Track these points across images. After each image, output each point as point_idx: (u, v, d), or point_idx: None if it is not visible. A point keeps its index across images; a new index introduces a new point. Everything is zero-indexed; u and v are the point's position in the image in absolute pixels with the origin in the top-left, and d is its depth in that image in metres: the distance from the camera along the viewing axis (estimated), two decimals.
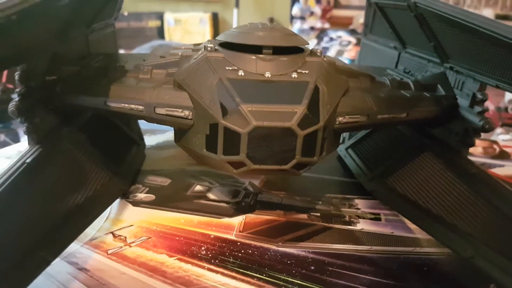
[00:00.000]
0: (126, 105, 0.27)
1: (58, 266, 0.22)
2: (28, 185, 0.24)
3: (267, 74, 0.25)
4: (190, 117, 0.25)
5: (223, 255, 0.25)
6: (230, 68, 0.25)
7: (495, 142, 0.44)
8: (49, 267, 0.21)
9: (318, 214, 0.30)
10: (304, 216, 0.30)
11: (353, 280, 0.24)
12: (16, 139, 0.50)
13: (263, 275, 0.24)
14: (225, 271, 0.24)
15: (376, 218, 0.30)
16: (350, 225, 0.29)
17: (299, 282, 0.23)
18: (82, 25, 0.33)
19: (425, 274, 0.24)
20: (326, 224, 0.29)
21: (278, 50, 0.25)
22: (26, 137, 0.26)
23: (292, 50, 0.26)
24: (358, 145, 0.37)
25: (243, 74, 0.25)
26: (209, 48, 0.26)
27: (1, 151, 0.40)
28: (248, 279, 0.23)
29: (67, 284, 0.22)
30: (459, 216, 0.25)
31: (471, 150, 0.29)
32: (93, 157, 0.30)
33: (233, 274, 0.24)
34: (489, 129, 0.27)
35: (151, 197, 0.31)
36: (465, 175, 0.27)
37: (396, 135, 0.33)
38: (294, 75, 0.25)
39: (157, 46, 0.36)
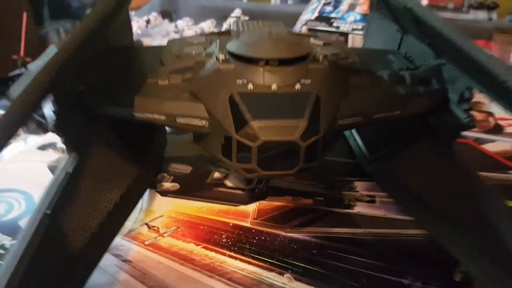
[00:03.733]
0: (150, 115, 0.30)
1: (105, 259, 0.27)
2: (74, 194, 0.28)
3: (273, 87, 0.28)
4: (207, 126, 0.29)
5: (240, 242, 0.30)
6: (240, 82, 0.28)
7: (491, 114, 0.47)
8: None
9: (322, 199, 0.34)
10: (310, 201, 0.34)
11: (350, 263, 0.28)
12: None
13: (273, 260, 0.29)
14: (243, 257, 0.29)
15: (371, 201, 0.34)
16: (349, 209, 0.33)
17: (303, 265, 0.28)
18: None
19: (415, 255, 0.29)
20: (328, 208, 0.33)
21: (284, 60, 0.28)
22: None
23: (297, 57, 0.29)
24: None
25: (252, 87, 0.28)
26: (220, 60, 0.29)
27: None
28: (261, 263, 0.28)
29: (116, 275, 0.27)
30: (447, 206, 0.29)
31: None
32: (123, 152, 0.34)
33: (249, 259, 0.29)
34: (473, 126, 0.30)
35: (176, 186, 0.36)
36: (454, 167, 0.30)
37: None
38: (298, 86, 0.28)
39: (171, 41, 0.38)
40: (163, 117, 0.30)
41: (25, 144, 0.44)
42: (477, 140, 0.42)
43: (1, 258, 0.24)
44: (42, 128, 0.62)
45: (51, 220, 0.25)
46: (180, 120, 0.30)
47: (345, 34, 0.86)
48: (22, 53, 0.68)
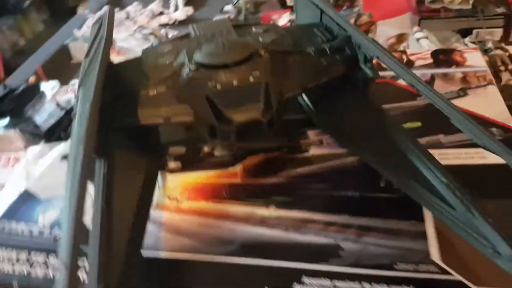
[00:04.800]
0: (152, 121, 0.42)
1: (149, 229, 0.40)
2: (114, 188, 0.40)
3: (235, 83, 0.39)
4: (194, 120, 0.41)
5: (235, 192, 0.43)
6: (211, 84, 0.39)
7: (404, 52, 0.60)
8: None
9: (286, 149, 0.47)
10: (277, 153, 0.47)
11: (311, 190, 0.42)
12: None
13: (260, 199, 0.42)
14: (239, 202, 0.42)
15: (320, 143, 0.47)
16: (306, 153, 0.46)
17: (281, 199, 0.42)
18: None
19: (353, 175, 0.42)
20: (291, 155, 0.46)
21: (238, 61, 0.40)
22: None
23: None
24: None
25: (220, 87, 0.39)
26: (193, 70, 0.40)
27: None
28: (252, 204, 0.42)
29: (158, 235, 0.40)
30: (366, 136, 0.42)
31: None
32: (137, 148, 0.45)
33: (244, 202, 0.42)
34: (378, 77, 0.42)
35: (179, 164, 0.48)
36: (367, 107, 0.43)
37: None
38: (251, 79, 0.39)
39: (144, 52, 0.48)
40: (161, 120, 0.41)
41: (49, 158, 0.54)
42: (393, 77, 0.55)
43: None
44: (38, 137, 0.71)
45: (107, 212, 0.35)
46: (174, 120, 0.41)
47: None
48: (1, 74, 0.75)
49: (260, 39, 0.45)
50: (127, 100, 0.42)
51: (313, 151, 0.46)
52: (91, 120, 0.34)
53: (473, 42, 0.69)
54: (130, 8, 1.04)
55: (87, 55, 0.42)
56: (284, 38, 0.46)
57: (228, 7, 0.99)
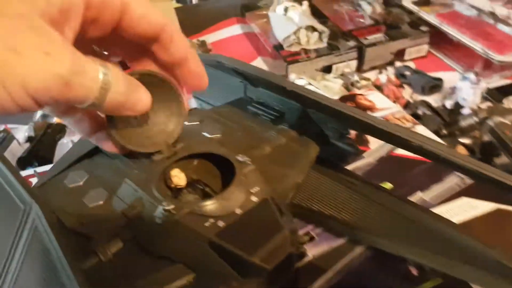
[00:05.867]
0: None
1: None
2: None
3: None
4: None
5: None
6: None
7: None
8: None
9: None
10: None
11: None
12: None
13: None
14: None
15: (311, 239, 0.41)
16: (306, 257, 0.39)
17: None
18: None
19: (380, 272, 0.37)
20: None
21: None
22: None
23: None
24: None
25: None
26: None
27: None
28: None
29: None
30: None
31: None
32: None
33: None
34: (358, 152, 0.39)
35: None
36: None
37: None
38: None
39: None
40: None
41: None
42: None
43: None
44: None
45: None
46: None
47: None
48: None
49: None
50: None
51: (311, 251, 0.40)
52: None
53: (336, 77, 0.73)
54: None
55: None
56: (230, 127, 0.38)
57: None
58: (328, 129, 0.39)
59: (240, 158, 0.33)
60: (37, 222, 0.23)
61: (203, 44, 0.84)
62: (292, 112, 0.40)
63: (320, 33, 0.74)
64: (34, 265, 0.24)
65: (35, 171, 0.52)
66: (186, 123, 0.37)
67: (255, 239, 0.28)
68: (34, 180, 0.51)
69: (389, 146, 0.48)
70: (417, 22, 0.79)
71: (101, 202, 0.32)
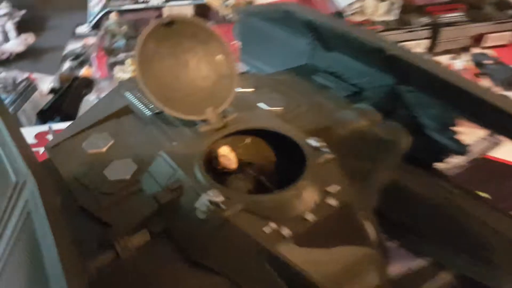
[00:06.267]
0: None
1: None
2: None
3: None
4: None
5: None
6: None
7: None
8: None
9: None
10: None
11: None
12: None
13: None
14: None
15: None
16: None
17: None
18: None
19: None
20: None
21: None
22: None
23: None
24: None
25: None
26: None
27: None
28: None
29: None
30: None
31: None
32: None
33: None
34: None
35: None
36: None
37: None
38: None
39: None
40: None
41: None
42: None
43: None
44: None
45: None
46: None
47: (158, 8, 0.76)
48: None
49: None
50: None
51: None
52: None
53: None
54: None
55: None
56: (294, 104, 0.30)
57: (83, 28, 0.77)
58: (427, 116, 0.30)
59: (313, 142, 0.25)
60: (31, 206, 0.15)
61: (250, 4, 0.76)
62: (376, 89, 0.31)
63: (391, 3, 0.64)
64: (21, 270, 0.16)
65: (50, 127, 0.45)
66: (237, 89, 0.29)
67: (335, 265, 0.20)
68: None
69: (484, 145, 0.38)
70: (504, 3, 0.68)
71: (127, 177, 0.25)
